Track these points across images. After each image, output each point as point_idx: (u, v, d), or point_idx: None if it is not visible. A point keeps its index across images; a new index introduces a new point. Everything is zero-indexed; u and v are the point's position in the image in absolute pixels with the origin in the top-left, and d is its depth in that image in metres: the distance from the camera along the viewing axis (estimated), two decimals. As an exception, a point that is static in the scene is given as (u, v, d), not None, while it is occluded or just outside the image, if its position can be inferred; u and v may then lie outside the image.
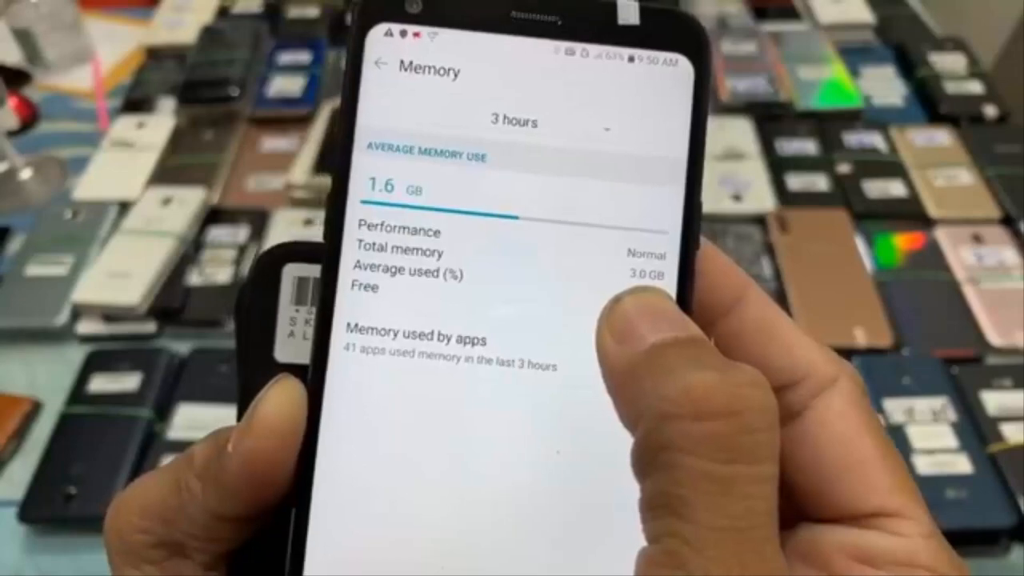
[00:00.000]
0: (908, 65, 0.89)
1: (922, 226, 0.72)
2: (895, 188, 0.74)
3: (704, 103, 0.18)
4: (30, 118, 0.86)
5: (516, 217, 0.17)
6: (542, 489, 0.17)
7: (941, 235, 0.71)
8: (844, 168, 0.77)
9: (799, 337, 0.18)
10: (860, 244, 0.70)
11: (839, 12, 0.95)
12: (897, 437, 0.56)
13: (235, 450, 0.16)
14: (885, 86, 0.87)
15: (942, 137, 0.80)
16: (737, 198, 0.73)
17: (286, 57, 0.88)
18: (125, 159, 0.78)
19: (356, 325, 0.17)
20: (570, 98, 0.18)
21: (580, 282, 0.17)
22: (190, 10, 0.96)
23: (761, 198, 0.73)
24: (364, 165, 0.17)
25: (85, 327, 0.65)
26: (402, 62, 0.17)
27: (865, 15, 0.95)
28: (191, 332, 0.65)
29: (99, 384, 0.59)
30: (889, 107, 0.85)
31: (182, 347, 0.63)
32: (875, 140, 0.79)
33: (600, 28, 0.18)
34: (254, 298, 0.19)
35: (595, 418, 0.17)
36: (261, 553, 0.17)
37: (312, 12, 0.97)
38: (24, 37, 0.89)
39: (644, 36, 0.18)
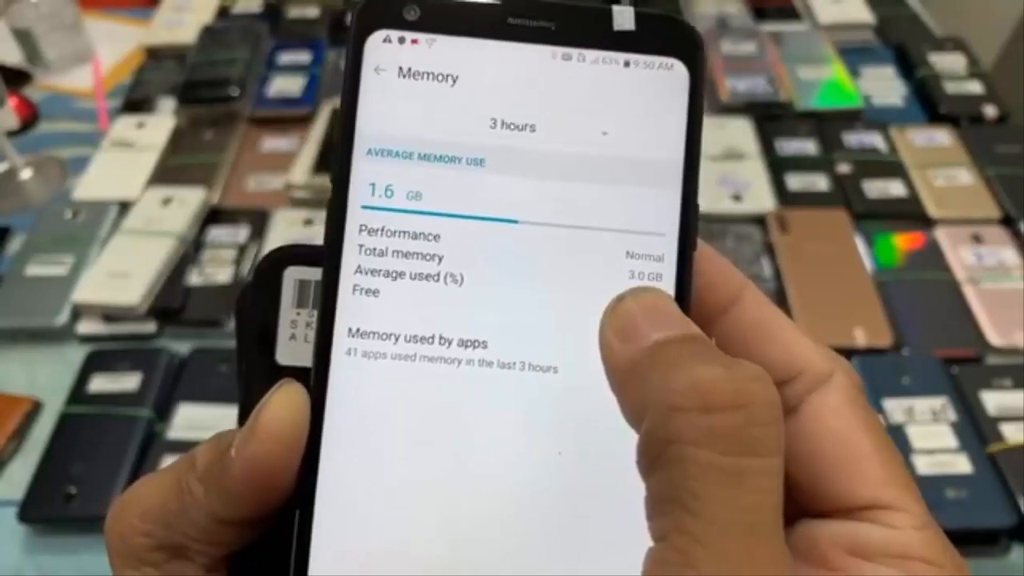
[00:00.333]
0: (908, 65, 0.89)
1: (922, 226, 0.72)
2: (895, 188, 0.74)
3: (699, 106, 0.18)
4: (30, 118, 0.86)
5: (515, 221, 0.18)
6: (544, 490, 0.17)
7: (941, 235, 0.71)
8: (844, 168, 0.77)
9: (796, 335, 0.18)
10: (860, 244, 0.70)
11: (839, 12, 0.95)
12: (897, 437, 0.56)
13: (238, 455, 0.16)
14: (885, 86, 0.87)
15: (942, 137, 0.80)
16: (737, 198, 0.73)
17: (286, 57, 0.88)
18: (125, 159, 0.78)
19: (358, 330, 0.17)
20: (567, 103, 0.18)
21: (579, 284, 0.17)
22: (190, 10, 0.97)
23: (761, 198, 0.73)
24: (364, 171, 0.17)
25: (85, 327, 0.65)
26: (401, 68, 0.18)
27: (865, 15, 0.95)
28: (191, 332, 0.65)
29: (99, 384, 0.59)
30: (889, 107, 0.85)
31: (182, 347, 0.63)
32: (875, 140, 0.79)
33: (596, 33, 0.18)
34: (255, 301, 0.19)
35: (596, 419, 0.17)
36: (262, 556, 0.17)
37: (312, 12, 0.97)
38: (24, 37, 0.89)
39: (639, 41, 0.18)
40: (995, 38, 1.30)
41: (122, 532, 0.17)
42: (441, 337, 0.17)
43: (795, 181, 0.75)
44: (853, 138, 0.79)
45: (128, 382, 0.59)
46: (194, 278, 0.67)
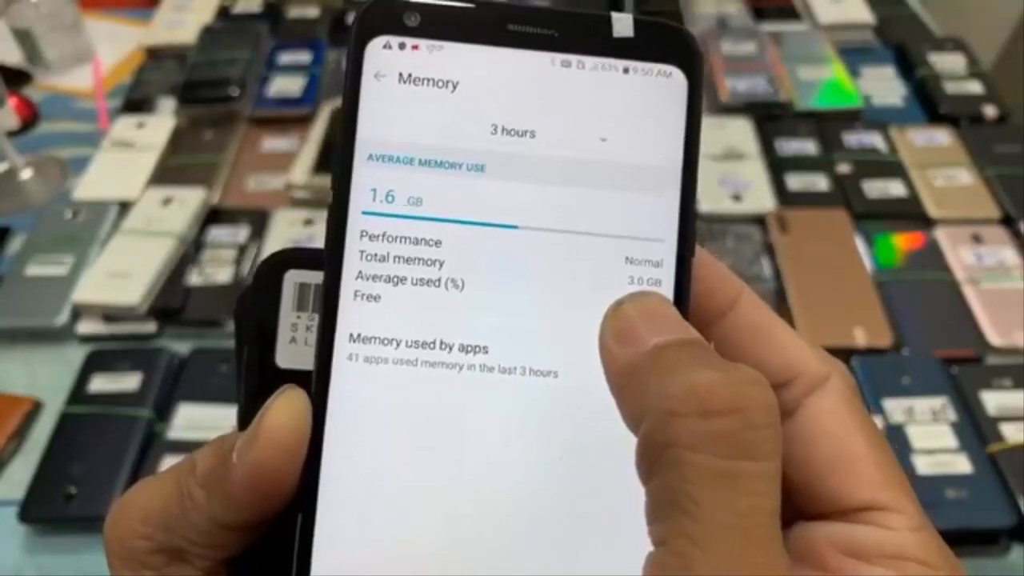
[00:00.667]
0: (908, 65, 0.89)
1: (922, 226, 0.72)
2: (895, 188, 0.75)
3: (697, 113, 0.18)
4: (30, 118, 0.86)
5: (515, 227, 0.18)
6: (546, 494, 0.17)
7: (941, 235, 0.71)
8: (844, 168, 0.77)
9: (792, 338, 0.18)
10: (860, 244, 0.70)
11: (839, 12, 0.95)
12: (897, 437, 0.56)
13: (240, 460, 0.16)
14: (885, 86, 0.87)
15: (942, 137, 0.80)
16: (737, 198, 0.73)
17: (286, 57, 0.88)
18: (125, 159, 0.78)
19: (359, 335, 0.17)
20: (567, 109, 0.18)
21: (579, 290, 0.18)
22: (190, 10, 0.97)
23: (761, 198, 0.73)
24: (365, 176, 0.17)
25: (85, 327, 0.65)
26: (401, 74, 0.18)
27: (865, 15, 0.95)
28: (191, 332, 0.65)
29: (99, 384, 0.59)
30: (889, 107, 0.85)
31: (182, 347, 0.63)
32: (875, 140, 0.79)
33: (595, 40, 0.18)
34: (255, 304, 0.19)
35: (596, 423, 0.17)
36: (261, 560, 0.17)
37: (312, 12, 0.97)
38: (24, 37, 0.89)
39: (638, 48, 0.18)
40: (995, 38, 1.30)
41: (121, 535, 0.17)
42: (442, 342, 0.17)
43: (795, 181, 0.75)
44: (853, 138, 0.79)
45: (128, 382, 0.59)
46: (194, 278, 0.67)
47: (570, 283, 0.18)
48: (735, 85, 0.84)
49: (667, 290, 0.18)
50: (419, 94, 0.18)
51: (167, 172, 0.77)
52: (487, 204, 0.18)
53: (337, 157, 0.17)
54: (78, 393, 0.59)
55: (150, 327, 0.65)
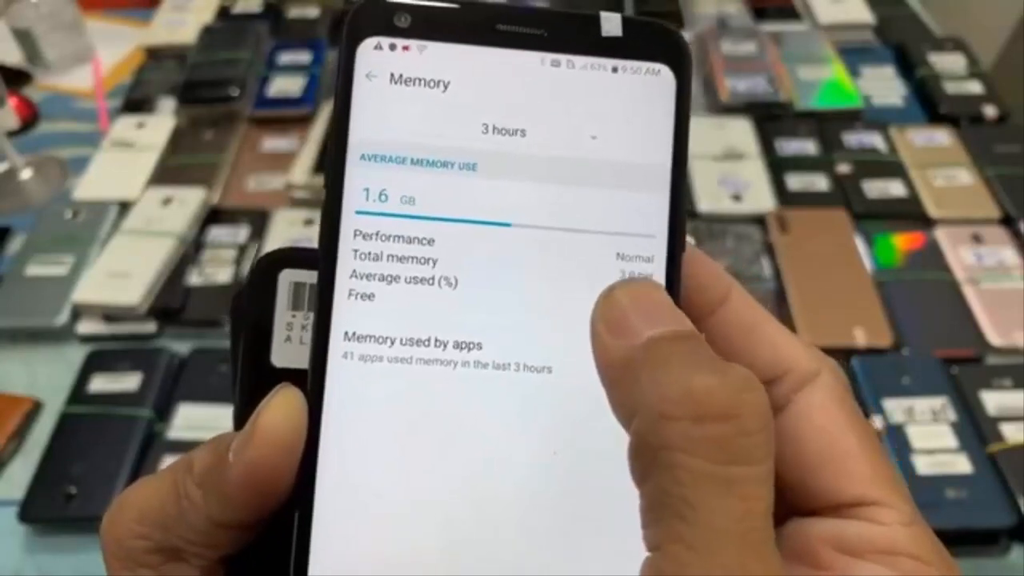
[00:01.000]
0: (908, 65, 0.89)
1: (922, 226, 0.72)
2: (895, 188, 0.75)
3: (686, 110, 0.18)
4: (30, 118, 0.86)
5: (508, 224, 0.18)
6: (541, 489, 0.17)
7: (941, 235, 0.71)
8: (844, 168, 0.77)
9: (782, 334, 0.19)
10: (860, 244, 0.70)
11: (839, 12, 0.95)
12: (897, 437, 0.56)
13: (236, 459, 0.16)
14: (885, 86, 0.87)
15: (942, 137, 0.80)
16: (737, 198, 0.73)
17: (286, 57, 0.88)
18: (125, 159, 0.78)
19: (354, 334, 0.17)
20: (557, 108, 0.18)
21: (571, 286, 0.18)
22: (190, 10, 0.97)
23: (761, 198, 0.73)
24: (358, 176, 0.18)
25: (85, 327, 0.65)
26: (392, 75, 0.18)
27: (865, 15, 0.95)
28: (191, 332, 0.65)
29: (99, 384, 0.59)
30: (889, 107, 0.85)
31: (182, 347, 0.63)
32: (875, 140, 0.79)
33: (584, 40, 0.18)
34: (250, 303, 0.19)
35: (590, 418, 0.17)
36: (258, 558, 0.17)
37: (312, 12, 0.97)
38: (24, 37, 0.89)
39: (627, 47, 0.18)
40: (995, 38, 1.30)
41: (118, 534, 0.17)
42: (436, 339, 0.17)
43: (795, 181, 0.75)
44: (853, 138, 0.79)
45: (128, 382, 0.59)
46: (194, 278, 0.67)
47: (562, 279, 0.18)
48: (735, 85, 0.84)
49: None
50: (410, 94, 0.18)
51: (167, 172, 0.77)
52: (479, 202, 0.18)
53: (330, 157, 0.18)
54: (78, 393, 0.59)
55: (150, 327, 0.65)
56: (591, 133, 0.18)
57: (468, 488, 0.17)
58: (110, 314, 0.65)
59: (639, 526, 0.14)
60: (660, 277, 0.18)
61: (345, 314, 0.17)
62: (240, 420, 0.17)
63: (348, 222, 0.17)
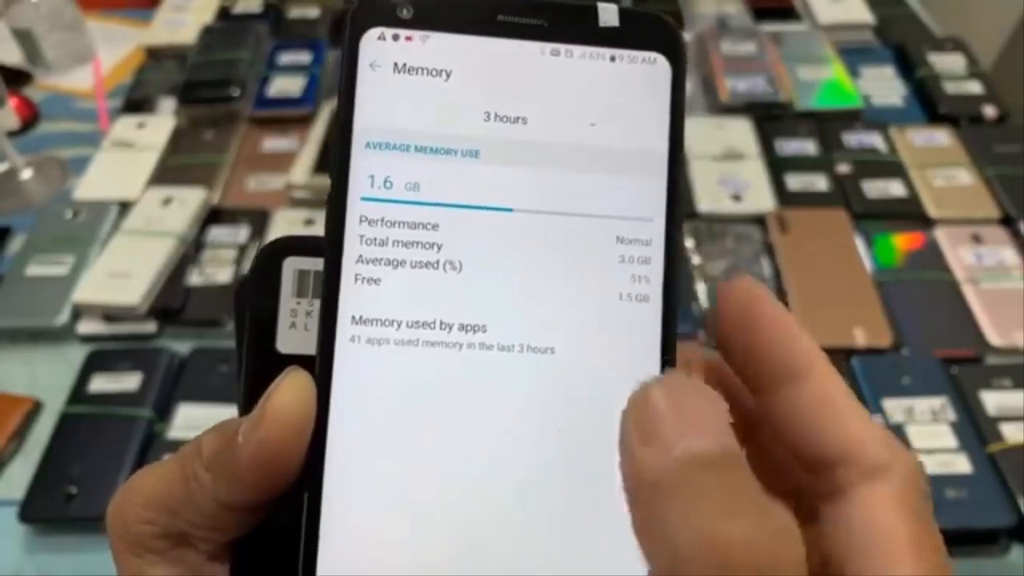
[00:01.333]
0: (908, 65, 0.89)
1: (921, 226, 0.72)
2: (894, 188, 0.75)
3: (681, 98, 0.19)
4: (31, 118, 0.86)
5: (510, 209, 0.18)
6: (547, 468, 0.17)
7: (940, 235, 0.71)
8: (843, 168, 0.77)
9: (859, 418, 0.17)
10: (860, 244, 0.70)
11: (839, 12, 0.95)
12: (897, 437, 0.56)
13: (246, 440, 0.16)
14: (885, 86, 0.87)
15: (941, 137, 0.80)
16: (737, 198, 0.73)
17: (286, 57, 0.88)
18: (125, 159, 0.78)
19: (361, 317, 0.17)
20: (557, 96, 0.19)
21: (573, 269, 0.18)
22: (190, 10, 0.97)
23: (761, 198, 0.73)
24: (363, 163, 0.18)
25: (85, 327, 0.65)
26: (396, 64, 0.18)
27: (865, 15, 0.95)
28: (191, 332, 0.65)
29: (99, 384, 0.59)
30: (888, 107, 0.85)
31: (182, 347, 0.63)
32: (875, 140, 0.79)
33: (582, 30, 0.19)
34: (255, 291, 0.20)
35: (592, 397, 0.18)
36: (264, 542, 0.18)
37: (312, 12, 0.97)
38: (24, 37, 0.89)
39: (624, 37, 0.19)
40: (995, 38, 1.30)
41: (125, 520, 0.17)
42: (442, 322, 0.18)
43: (795, 181, 0.75)
44: (853, 138, 0.79)
45: (128, 382, 0.59)
46: (194, 278, 0.67)
47: (564, 262, 0.18)
48: (735, 85, 0.84)
49: (657, 268, 0.18)
50: (413, 83, 0.18)
51: (167, 172, 0.77)
52: (482, 188, 0.18)
53: (335, 145, 0.18)
54: (78, 393, 0.59)
55: (150, 327, 0.65)
56: (590, 120, 0.19)
57: (474, 467, 0.17)
58: (110, 314, 0.65)
59: None
60: (659, 259, 0.18)
61: (352, 298, 0.17)
62: (246, 407, 0.18)
63: (354, 208, 0.18)
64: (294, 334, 0.19)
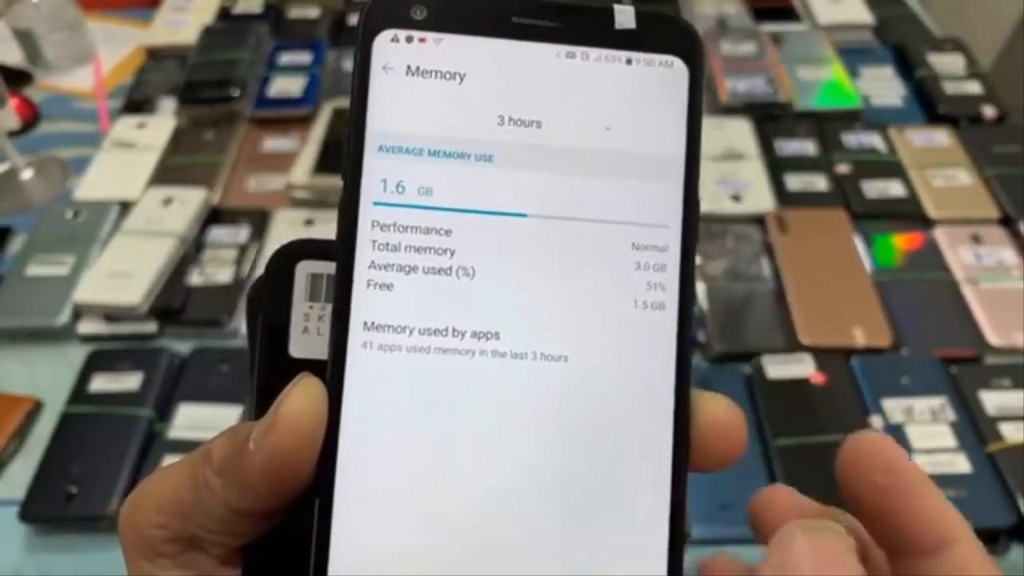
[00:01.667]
0: (907, 65, 0.89)
1: (921, 226, 0.72)
2: (894, 188, 0.75)
3: (699, 102, 0.19)
4: (31, 118, 0.86)
5: (524, 215, 0.18)
6: (560, 476, 0.17)
7: (940, 235, 0.71)
8: (843, 168, 0.77)
9: None
10: (859, 244, 0.70)
11: (838, 12, 0.95)
12: (896, 437, 0.56)
13: (257, 446, 0.16)
14: (884, 86, 0.87)
15: (941, 137, 0.80)
16: (736, 198, 0.73)
17: (286, 57, 0.88)
18: (126, 159, 0.78)
19: (372, 323, 0.17)
20: (572, 99, 0.18)
21: (587, 275, 0.18)
22: (190, 11, 0.97)
23: (760, 198, 0.73)
24: (375, 167, 0.18)
25: (86, 327, 0.65)
26: (409, 67, 0.18)
27: (864, 16, 0.95)
28: (192, 332, 0.65)
29: (100, 384, 0.59)
30: (888, 107, 0.85)
31: (183, 347, 0.63)
32: (874, 140, 0.79)
33: (598, 32, 0.18)
34: (269, 294, 0.20)
35: (606, 405, 0.17)
36: (276, 547, 0.18)
37: (313, 13, 0.97)
38: (25, 37, 0.89)
39: (640, 39, 0.18)
40: (995, 38, 1.30)
41: (137, 524, 0.17)
42: (454, 329, 0.17)
43: (794, 181, 0.75)
44: (852, 138, 0.80)
45: (129, 382, 0.59)
46: (195, 278, 0.67)
47: (578, 269, 0.18)
48: (735, 85, 0.84)
49: (672, 275, 0.18)
50: (427, 86, 0.18)
51: (168, 172, 0.77)
52: (496, 193, 0.18)
53: (347, 149, 0.18)
54: (79, 393, 0.59)
55: (151, 327, 0.65)
56: (606, 124, 0.18)
57: (484, 475, 0.17)
58: (111, 314, 0.65)
59: (655, 508, 0.14)
60: (675, 266, 0.18)
61: (364, 304, 0.17)
62: (259, 410, 0.18)
63: (366, 213, 0.18)
64: (307, 338, 0.19)
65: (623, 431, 0.15)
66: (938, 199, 0.73)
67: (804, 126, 0.81)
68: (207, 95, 0.83)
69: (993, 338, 0.63)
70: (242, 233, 0.71)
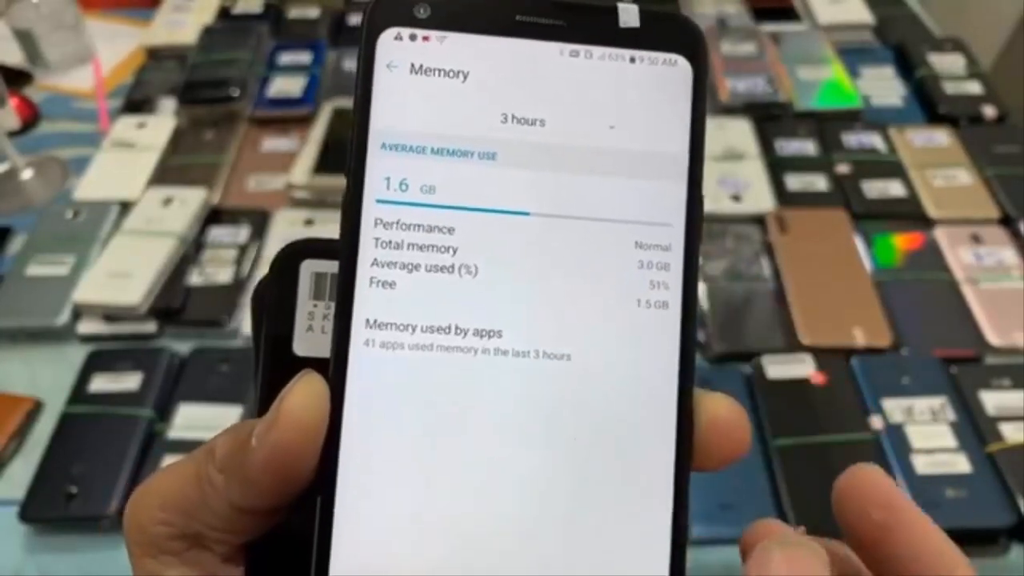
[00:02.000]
0: (907, 65, 0.89)
1: (921, 226, 0.72)
2: (894, 188, 0.75)
3: (702, 101, 0.19)
4: (31, 118, 0.86)
5: (527, 213, 0.18)
6: (561, 474, 0.17)
7: (940, 235, 0.71)
8: (843, 168, 0.77)
9: None
10: (859, 244, 0.70)
11: (838, 12, 0.95)
12: (896, 437, 0.56)
13: (260, 443, 0.16)
14: (884, 86, 0.87)
15: (941, 137, 0.80)
16: (736, 198, 0.73)
17: (286, 57, 0.88)
18: (126, 159, 0.78)
19: (375, 321, 0.17)
20: (575, 98, 0.18)
21: (590, 274, 0.18)
22: (190, 11, 0.97)
23: (760, 198, 0.73)
24: (378, 165, 0.18)
25: (86, 327, 0.65)
26: (412, 65, 0.18)
27: (864, 15, 0.95)
28: (191, 332, 0.65)
29: (100, 384, 0.59)
30: (888, 107, 0.85)
31: (182, 347, 0.63)
32: (874, 140, 0.79)
33: (602, 30, 0.18)
34: (273, 293, 0.20)
35: (608, 404, 0.17)
36: (279, 544, 0.18)
37: (313, 13, 0.97)
38: (25, 37, 0.89)
39: (644, 38, 0.18)
40: (995, 38, 1.30)
41: (141, 522, 0.17)
42: (457, 327, 0.17)
43: (794, 181, 0.75)
44: (852, 138, 0.80)
45: (129, 382, 0.59)
46: (195, 278, 0.67)
47: (581, 267, 0.18)
48: (735, 85, 0.84)
49: (676, 274, 0.18)
50: (430, 84, 0.18)
51: (168, 172, 0.77)
52: (499, 191, 0.18)
53: (351, 146, 0.18)
54: (79, 393, 0.59)
55: (150, 327, 0.65)
56: (609, 123, 0.18)
57: (486, 473, 0.17)
58: (111, 314, 0.65)
59: (657, 508, 0.14)
60: (678, 265, 0.18)
61: (366, 301, 0.17)
62: (263, 408, 0.18)
63: (369, 211, 0.18)
64: (311, 337, 0.19)
65: (625, 430, 0.15)
66: (938, 199, 0.73)
67: (804, 126, 0.81)
68: (207, 95, 0.83)
69: (993, 338, 0.63)
70: (242, 233, 0.71)
